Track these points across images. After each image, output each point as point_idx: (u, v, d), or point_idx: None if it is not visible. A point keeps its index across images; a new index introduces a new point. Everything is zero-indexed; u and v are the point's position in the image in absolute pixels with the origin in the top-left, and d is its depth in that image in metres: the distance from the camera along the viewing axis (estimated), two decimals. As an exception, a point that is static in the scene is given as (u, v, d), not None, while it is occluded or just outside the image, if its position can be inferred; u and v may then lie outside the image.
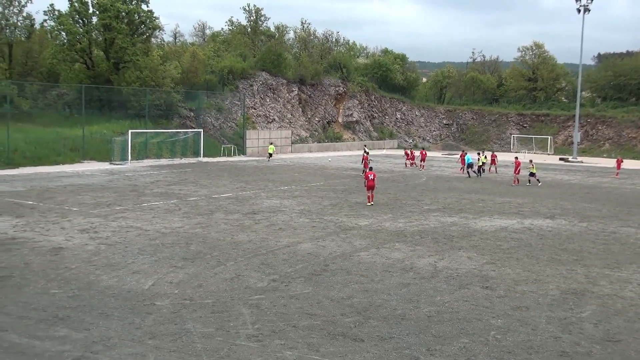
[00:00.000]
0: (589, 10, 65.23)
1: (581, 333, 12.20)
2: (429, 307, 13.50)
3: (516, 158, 40.87)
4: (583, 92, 78.75)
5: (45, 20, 61.66)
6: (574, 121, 70.16)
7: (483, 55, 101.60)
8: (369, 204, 28.05)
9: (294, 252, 18.49)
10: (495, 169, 47.52)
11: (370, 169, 30.30)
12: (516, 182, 38.86)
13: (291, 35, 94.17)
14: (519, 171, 39.25)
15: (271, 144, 56.86)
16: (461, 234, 22.07)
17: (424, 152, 50.63)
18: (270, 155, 54.94)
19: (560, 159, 65.08)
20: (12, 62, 60.88)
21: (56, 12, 57.41)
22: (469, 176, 43.50)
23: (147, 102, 54.15)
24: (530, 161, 40.49)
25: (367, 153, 42.43)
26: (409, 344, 11.35)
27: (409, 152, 52.82)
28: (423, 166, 49.06)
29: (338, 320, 12.54)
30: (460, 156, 47.73)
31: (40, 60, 61.77)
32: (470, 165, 44.24)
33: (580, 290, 15.16)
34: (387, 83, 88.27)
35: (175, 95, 59.06)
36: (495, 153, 50.68)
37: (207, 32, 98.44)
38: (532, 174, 39.02)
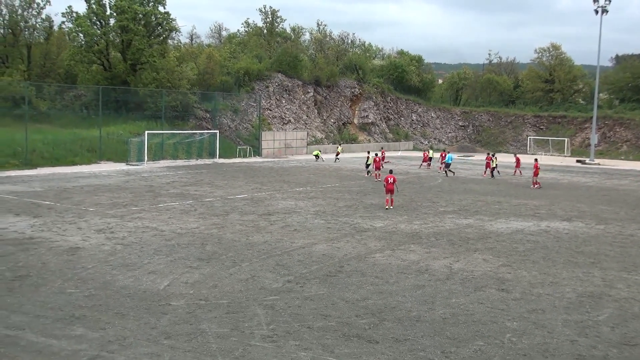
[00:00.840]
0: (607, 12, 64.69)
1: (598, 336, 12.11)
2: (444, 309, 13.46)
3: (536, 160, 40.31)
4: (600, 94, 78.09)
5: (63, 22, 62.35)
6: (592, 123, 69.59)
7: (499, 57, 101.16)
8: (387, 207, 27.87)
9: (309, 253, 18.50)
10: (520, 171, 46.74)
11: (391, 172, 29.83)
12: (537, 185, 38.33)
13: (307, 36, 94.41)
14: (535, 173, 38.79)
15: (319, 151, 60.34)
16: (477, 236, 21.97)
17: (443, 154, 50.38)
18: (317, 156, 57.63)
19: (577, 161, 64.57)
20: (31, 64, 61.52)
21: (74, 14, 57.92)
22: (446, 175, 44.63)
23: (164, 103, 54.47)
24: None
25: (376, 155, 42.16)
26: (424, 346, 11.32)
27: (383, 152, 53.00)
28: (442, 167, 48.71)
29: (353, 321, 12.54)
30: (441, 155, 49.12)
31: (58, 62, 62.40)
32: (447, 165, 45.39)
33: (597, 294, 15.04)
34: (402, 84, 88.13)
35: (192, 96, 59.38)
36: (519, 156, 50.10)
37: (224, 33, 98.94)
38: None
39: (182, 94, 57.65)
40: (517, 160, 47.64)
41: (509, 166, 50.52)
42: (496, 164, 44.53)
